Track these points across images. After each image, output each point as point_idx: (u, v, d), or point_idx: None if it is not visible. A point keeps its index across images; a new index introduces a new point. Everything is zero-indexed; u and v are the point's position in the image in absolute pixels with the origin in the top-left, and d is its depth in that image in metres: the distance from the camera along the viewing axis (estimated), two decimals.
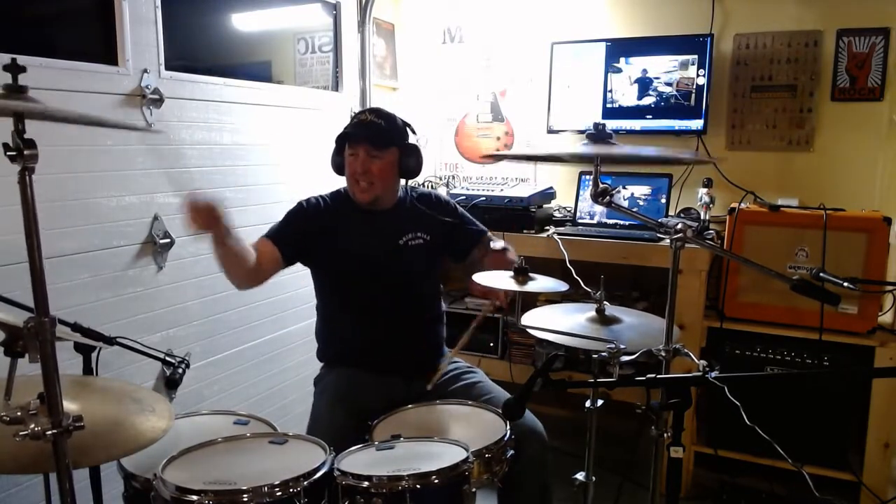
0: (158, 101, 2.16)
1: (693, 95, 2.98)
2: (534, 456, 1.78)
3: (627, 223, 2.92)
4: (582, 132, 1.66)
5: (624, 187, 3.00)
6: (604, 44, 3.11)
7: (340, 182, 2.09)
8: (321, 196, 2.08)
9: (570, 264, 2.67)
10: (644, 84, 3.06)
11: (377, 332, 2.01)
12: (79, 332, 1.65)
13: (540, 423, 1.85)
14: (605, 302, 1.87)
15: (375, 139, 1.95)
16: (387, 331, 2.01)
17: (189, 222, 1.65)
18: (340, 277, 2.03)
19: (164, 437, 1.29)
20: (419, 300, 2.08)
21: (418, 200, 2.12)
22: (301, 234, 1.99)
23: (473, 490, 1.46)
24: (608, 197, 1.57)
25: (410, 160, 2.01)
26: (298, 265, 2.05)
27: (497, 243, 2.07)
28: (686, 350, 1.57)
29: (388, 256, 2.01)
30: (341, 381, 1.98)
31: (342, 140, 2.01)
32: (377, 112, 2.01)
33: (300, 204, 2.05)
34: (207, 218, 1.65)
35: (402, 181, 2.07)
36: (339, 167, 2.04)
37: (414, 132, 2.07)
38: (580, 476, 1.78)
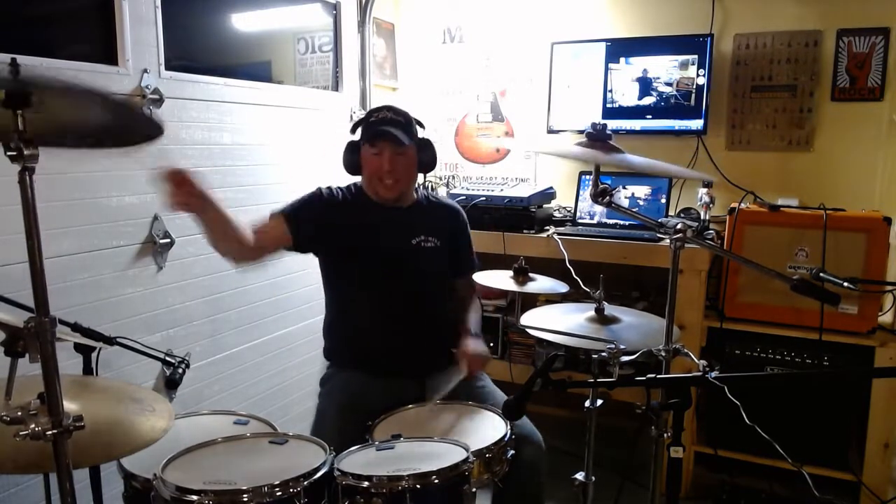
0: (158, 101, 2.16)
1: (693, 95, 2.98)
2: (529, 460, 1.78)
3: (627, 223, 2.92)
4: (582, 132, 1.67)
5: (624, 187, 3.00)
6: (604, 44, 3.11)
7: (347, 178, 2.09)
8: (339, 187, 2.07)
9: (569, 264, 2.67)
10: (644, 84, 3.06)
11: (386, 331, 2.00)
12: (79, 332, 1.65)
13: (536, 429, 1.85)
14: (604, 302, 1.87)
15: (400, 137, 1.96)
16: (396, 330, 2.00)
17: (169, 201, 1.61)
18: (353, 273, 2.02)
19: (164, 437, 1.29)
20: (430, 301, 2.06)
21: (436, 206, 2.14)
22: (315, 221, 1.96)
23: (473, 490, 1.46)
24: (608, 197, 1.57)
25: (426, 154, 2.06)
26: (297, 264, 2.04)
27: (475, 345, 1.98)
28: (686, 350, 1.57)
29: (401, 255, 2.01)
30: (349, 385, 1.97)
31: (362, 139, 2.00)
32: (393, 109, 2.01)
33: (319, 190, 2.03)
34: (187, 195, 1.62)
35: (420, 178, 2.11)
36: (353, 167, 2.04)
37: (423, 126, 2.09)
38: (580, 476, 1.77)
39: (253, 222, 1.89)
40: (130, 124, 1.20)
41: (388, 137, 1.94)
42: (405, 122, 1.99)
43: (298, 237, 1.93)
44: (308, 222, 1.94)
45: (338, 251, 2.00)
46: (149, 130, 1.23)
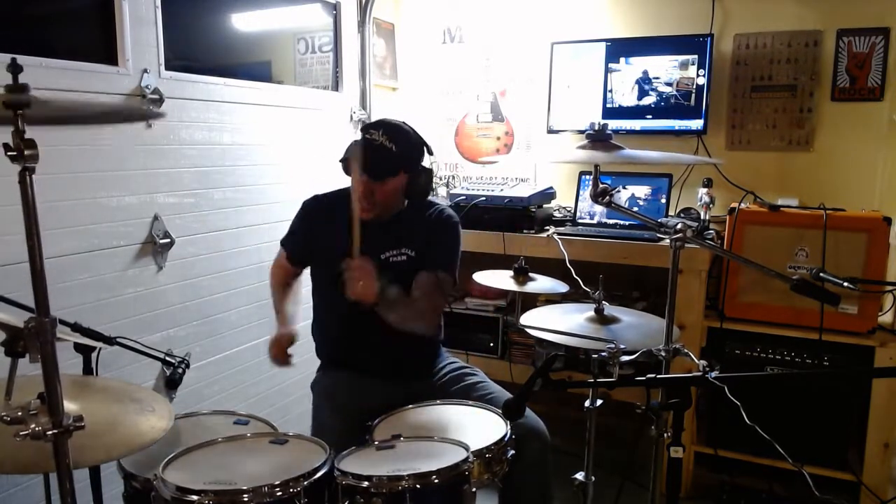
0: (158, 101, 2.16)
1: (693, 95, 2.98)
2: (534, 455, 1.78)
3: (627, 223, 2.92)
4: (582, 132, 1.66)
5: (624, 187, 3.00)
6: (604, 44, 3.11)
7: (345, 181, 2.08)
8: (324, 194, 2.07)
9: (570, 264, 2.67)
10: (644, 84, 3.06)
11: (363, 334, 1.96)
12: (79, 332, 1.65)
13: (542, 423, 1.85)
14: (604, 302, 1.87)
15: (377, 169, 1.83)
16: (374, 333, 1.88)
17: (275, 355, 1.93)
18: (326, 277, 2.02)
19: (164, 437, 1.29)
20: None
21: (424, 213, 2.01)
22: (303, 237, 2.04)
23: (474, 490, 1.46)
24: (608, 197, 1.57)
25: (419, 184, 1.92)
26: None
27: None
28: (686, 350, 1.57)
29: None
30: (340, 387, 1.97)
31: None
32: (391, 132, 1.85)
33: (305, 203, 2.08)
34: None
35: None
36: (346, 171, 1.98)
37: (431, 152, 1.96)
38: (580, 476, 1.78)
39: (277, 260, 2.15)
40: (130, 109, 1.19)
41: (362, 164, 1.81)
42: (395, 152, 1.84)
43: (295, 262, 2.09)
44: (298, 243, 2.07)
45: (317, 256, 2.02)
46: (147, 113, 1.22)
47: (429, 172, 1.95)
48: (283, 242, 2.13)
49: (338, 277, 1.69)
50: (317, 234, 2.00)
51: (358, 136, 1.95)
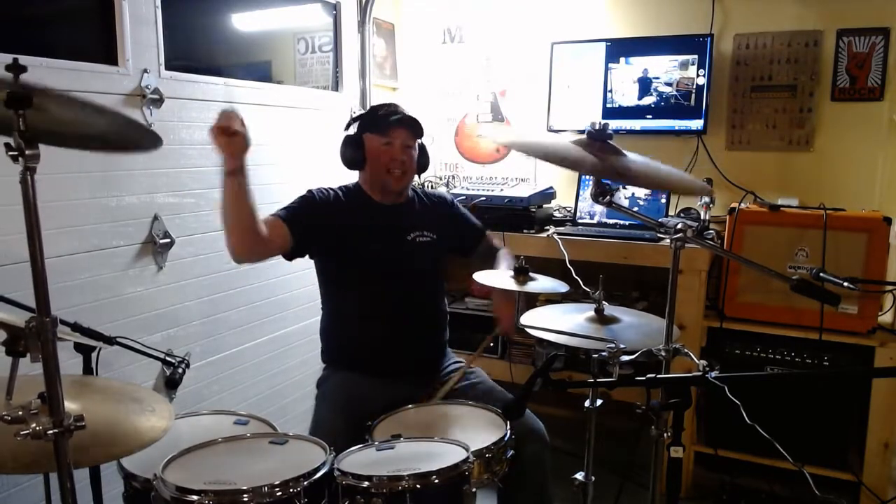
0: (158, 101, 2.16)
1: (693, 95, 2.98)
2: (534, 455, 1.78)
3: (627, 223, 2.92)
4: (582, 132, 1.65)
5: (624, 187, 3.00)
6: (604, 44, 3.11)
7: (344, 179, 2.10)
8: (332, 189, 2.05)
9: (570, 264, 2.67)
10: (644, 84, 3.06)
11: (382, 331, 2.00)
12: (79, 332, 1.65)
13: (540, 423, 1.85)
14: (604, 302, 1.87)
15: (416, 128, 2.02)
16: (391, 330, 2.00)
17: (216, 130, 1.61)
18: (349, 273, 2.03)
19: (164, 437, 1.29)
20: (424, 299, 2.08)
21: (428, 200, 2.17)
22: (312, 223, 1.93)
23: (474, 490, 1.46)
24: (608, 197, 1.57)
25: (424, 156, 2.11)
26: (297, 264, 2.05)
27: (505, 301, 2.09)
28: (686, 350, 1.57)
29: (396, 252, 2.02)
30: (345, 386, 1.97)
31: (372, 129, 2.00)
32: (398, 106, 2.06)
33: (311, 192, 2.01)
34: (237, 137, 1.61)
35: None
36: (355, 162, 2.03)
37: None
38: (580, 476, 1.77)
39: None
40: (130, 132, 1.20)
41: (405, 124, 1.98)
42: (416, 119, 2.03)
43: (298, 240, 1.88)
44: (307, 225, 1.91)
45: (336, 252, 2.00)
46: (148, 140, 1.22)
47: (425, 146, 2.13)
48: (285, 217, 1.88)
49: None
50: (329, 226, 1.95)
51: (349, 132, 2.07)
